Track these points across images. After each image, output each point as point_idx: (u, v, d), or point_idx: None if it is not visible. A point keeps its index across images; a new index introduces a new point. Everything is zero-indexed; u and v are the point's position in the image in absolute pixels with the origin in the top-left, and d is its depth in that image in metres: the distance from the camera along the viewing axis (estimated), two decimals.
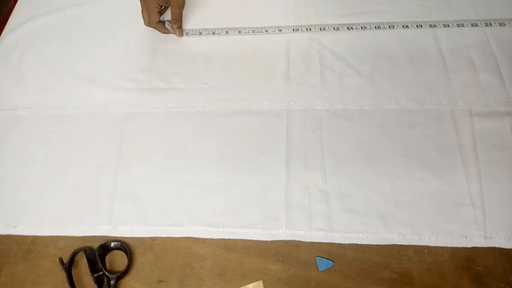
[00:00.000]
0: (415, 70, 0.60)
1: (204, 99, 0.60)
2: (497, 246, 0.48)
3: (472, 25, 0.64)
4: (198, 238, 0.51)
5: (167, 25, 0.66)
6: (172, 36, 0.67)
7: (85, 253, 0.49)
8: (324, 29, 0.65)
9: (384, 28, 0.65)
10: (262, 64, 0.63)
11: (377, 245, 0.49)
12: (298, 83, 0.61)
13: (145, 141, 0.58)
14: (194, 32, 0.67)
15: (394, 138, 0.55)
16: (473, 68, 0.60)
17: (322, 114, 0.58)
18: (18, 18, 0.72)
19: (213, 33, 0.66)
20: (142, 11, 0.65)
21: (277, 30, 0.66)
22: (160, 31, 0.67)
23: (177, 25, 0.66)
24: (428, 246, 0.49)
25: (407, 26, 0.64)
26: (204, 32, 0.67)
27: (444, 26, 0.64)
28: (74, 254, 0.50)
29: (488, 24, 0.63)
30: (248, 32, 0.66)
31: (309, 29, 0.65)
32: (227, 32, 0.66)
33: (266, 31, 0.66)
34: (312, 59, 0.63)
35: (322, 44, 0.64)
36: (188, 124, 0.58)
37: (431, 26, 0.64)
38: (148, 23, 0.66)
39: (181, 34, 0.66)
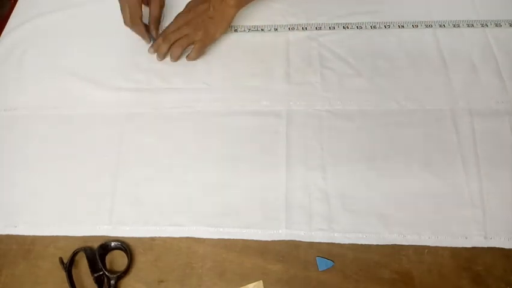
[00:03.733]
0: (415, 70, 0.60)
1: (204, 99, 0.60)
2: (497, 246, 0.48)
3: (472, 25, 0.64)
4: (198, 238, 0.51)
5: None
6: None
7: (85, 253, 0.49)
8: (320, 28, 0.65)
9: (383, 28, 0.65)
10: (262, 64, 0.63)
11: (377, 245, 0.49)
12: (298, 83, 0.61)
13: (145, 141, 0.58)
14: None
15: (394, 138, 0.55)
16: (473, 68, 0.60)
17: (322, 114, 0.58)
18: (18, 18, 0.72)
19: None
20: (122, 9, 0.61)
21: (273, 29, 0.66)
22: (139, 32, 0.64)
23: (155, 25, 0.65)
24: (428, 246, 0.49)
25: (406, 26, 0.64)
26: None
27: (445, 26, 0.64)
28: (74, 254, 0.50)
29: (488, 24, 0.63)
30: (244, 31, 0.66)
31: (304, 28, 0.65)
32: None
33: (262, 30, 0.66)
34: (312, 59, 0.63)
35: (322, 44, 0.64)
36: (188, 124, 0.58)
37: (431, 26, 0.64)
38: (130, 20, 0.61)
39: (157, 35, 0.65)
